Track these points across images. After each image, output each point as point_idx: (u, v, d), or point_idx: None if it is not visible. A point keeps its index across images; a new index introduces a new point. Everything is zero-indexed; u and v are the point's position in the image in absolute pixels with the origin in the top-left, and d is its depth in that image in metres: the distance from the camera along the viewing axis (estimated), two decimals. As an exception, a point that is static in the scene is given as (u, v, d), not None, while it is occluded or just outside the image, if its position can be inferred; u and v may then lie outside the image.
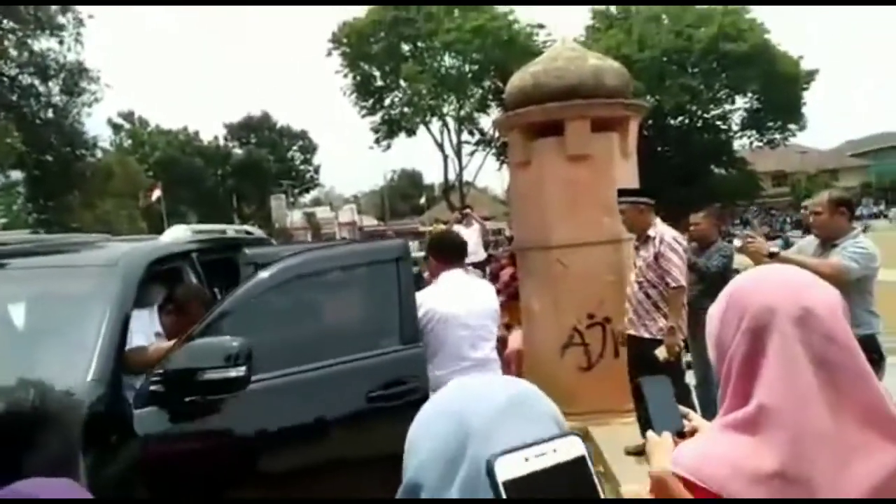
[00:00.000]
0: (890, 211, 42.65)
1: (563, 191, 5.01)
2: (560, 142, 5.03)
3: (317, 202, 61.34)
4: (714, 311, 1.00)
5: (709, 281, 4.45)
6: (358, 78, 37.25)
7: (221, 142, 50.75)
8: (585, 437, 4.81)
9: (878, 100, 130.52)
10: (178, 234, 3.58)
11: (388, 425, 2.65)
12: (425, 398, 2.71)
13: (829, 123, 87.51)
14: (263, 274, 2.82)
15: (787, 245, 5.14)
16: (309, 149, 54.79)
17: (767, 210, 42.88)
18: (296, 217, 50.11)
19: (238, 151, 50.43)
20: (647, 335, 4.10)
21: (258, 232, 5.40)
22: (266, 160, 48.36)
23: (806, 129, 39.64)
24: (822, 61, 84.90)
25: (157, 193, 31.79)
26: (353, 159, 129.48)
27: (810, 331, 0.87)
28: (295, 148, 54.45)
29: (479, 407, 0.68)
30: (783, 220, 36.99)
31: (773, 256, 3.25)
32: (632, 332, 4.23)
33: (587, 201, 4.92)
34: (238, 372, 2.40)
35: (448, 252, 3.23)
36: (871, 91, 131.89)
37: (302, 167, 54.67)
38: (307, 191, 57.08)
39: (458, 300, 3.02)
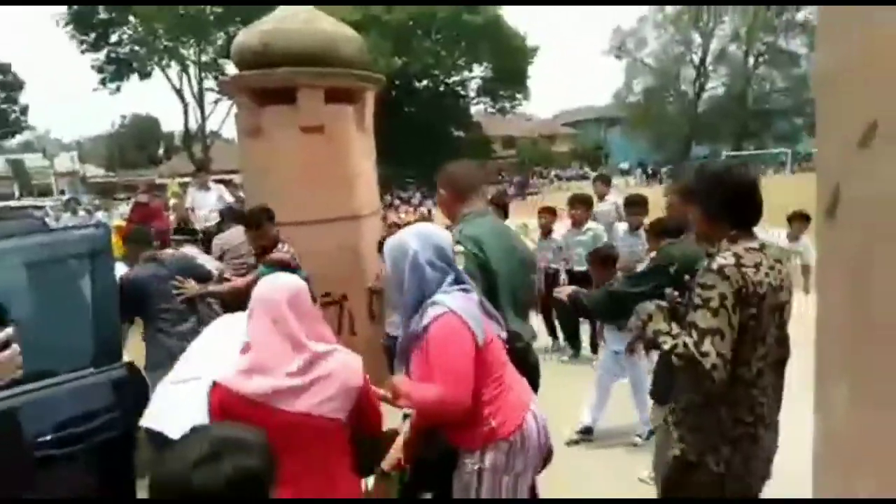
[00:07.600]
0: (590, 173, 50.01)
1: (297, 163, 4.73)
2: (293, 110, 4.72)
3: (28, 147, 52.10)
4: None
5: None
6: (75, 7, 31.69)
7: None
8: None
9: (582, 76, 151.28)
10: None
11: (65, 476, 2.17)
12: (127, 435, 2.17)
13: (545, 95, 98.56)
14: None
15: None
16: (13, 85, 45.77)
17: (498, 171, 47.11)
18: (-4, 165, 42.02)
19: None
20: None
21: None
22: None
23: (530, 98, 44.09)
24: (541, 39, 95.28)
25: None
26: (72, 101, 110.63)
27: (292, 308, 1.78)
28: (-7, 84, 45.10)
29: None
30: (509, 181, 40.81)
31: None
32: None
33: (323, 175, 4.71)
34: None
35: None
36: (577, 69, 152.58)
37: (4, 106, 45.58)
38: (12, 134, 47.97)
39: None
